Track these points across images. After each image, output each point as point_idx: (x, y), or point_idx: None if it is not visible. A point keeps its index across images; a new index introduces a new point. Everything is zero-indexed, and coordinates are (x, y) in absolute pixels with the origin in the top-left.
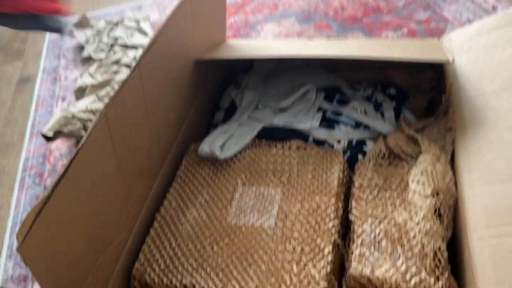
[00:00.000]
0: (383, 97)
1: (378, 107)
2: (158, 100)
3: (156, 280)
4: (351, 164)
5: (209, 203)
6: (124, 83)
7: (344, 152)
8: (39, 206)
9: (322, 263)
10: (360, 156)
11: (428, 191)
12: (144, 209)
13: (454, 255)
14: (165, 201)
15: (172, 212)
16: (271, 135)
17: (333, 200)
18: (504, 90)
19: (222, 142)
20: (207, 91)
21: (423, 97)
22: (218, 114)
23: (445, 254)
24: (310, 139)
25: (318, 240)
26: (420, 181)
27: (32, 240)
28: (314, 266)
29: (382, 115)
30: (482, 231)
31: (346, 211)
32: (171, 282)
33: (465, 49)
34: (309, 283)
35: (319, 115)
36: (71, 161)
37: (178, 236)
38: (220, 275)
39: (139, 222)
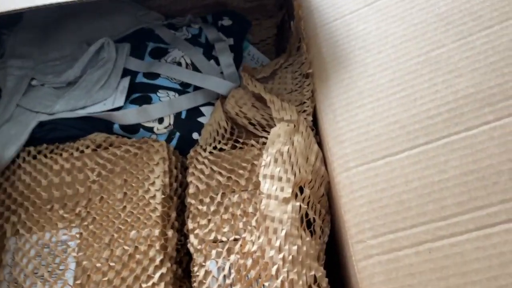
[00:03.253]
0: (216, 33)
1: (210, 51)
2: None
3: None
4: (185, 149)
5: None
6: None
7: (171, 134)
8: None
9: None
10: (195, 135)
11: (288, 191)
12: None
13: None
14: None
15: None
16: (53, 135)
17: (156, 232)
18: (368, 6)
19: None
20: None
21: (269, 21)
22: None
23: (324, 283)
24: (116, 126)
25: None
26: (275, 175)
27: None
28: None
29: (218, 62)
30: (369, 243)
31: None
32: None
33: None
34: None
35: (126, 82)
36: None
37: None
38: None
39: None
